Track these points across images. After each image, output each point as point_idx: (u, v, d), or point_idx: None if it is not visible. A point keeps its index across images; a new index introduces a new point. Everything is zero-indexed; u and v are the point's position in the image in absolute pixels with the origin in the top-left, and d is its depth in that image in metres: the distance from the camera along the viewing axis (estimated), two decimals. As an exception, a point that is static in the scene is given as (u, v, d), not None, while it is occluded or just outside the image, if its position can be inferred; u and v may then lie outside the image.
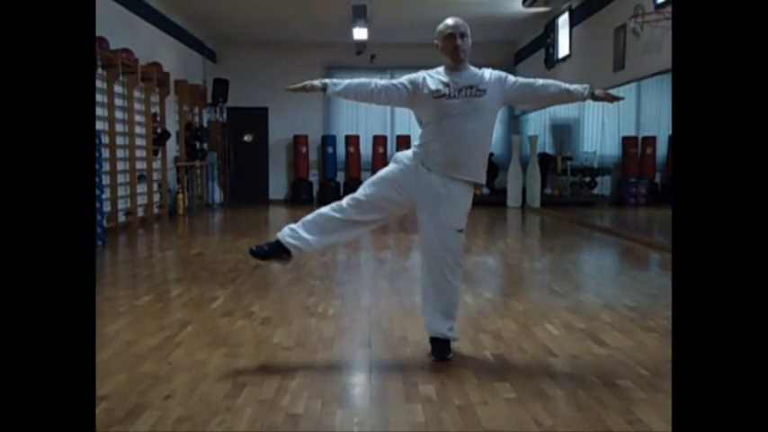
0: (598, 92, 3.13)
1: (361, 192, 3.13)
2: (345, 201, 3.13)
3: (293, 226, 3.12)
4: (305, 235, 3.09)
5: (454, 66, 3.09)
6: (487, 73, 3.12)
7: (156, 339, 3.47)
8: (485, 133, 3.14)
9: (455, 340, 3.24)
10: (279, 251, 3.10)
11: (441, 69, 3.13)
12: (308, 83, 3.03)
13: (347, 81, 3.11)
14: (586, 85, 3.12)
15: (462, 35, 3.07)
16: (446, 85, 3.04)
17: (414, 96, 3.09)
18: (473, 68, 3.14)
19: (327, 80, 3.07)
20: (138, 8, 9.52)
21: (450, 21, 3.11)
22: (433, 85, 3.05)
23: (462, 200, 3.13)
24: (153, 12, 10.14)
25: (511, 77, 3.17)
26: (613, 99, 3.21)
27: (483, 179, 3.20)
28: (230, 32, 13.05)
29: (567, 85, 3.16)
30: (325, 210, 3.14)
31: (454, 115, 3.02)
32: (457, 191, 3.09)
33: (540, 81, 3.21)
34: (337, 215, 3.10)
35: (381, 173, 3.17)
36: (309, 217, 3.13)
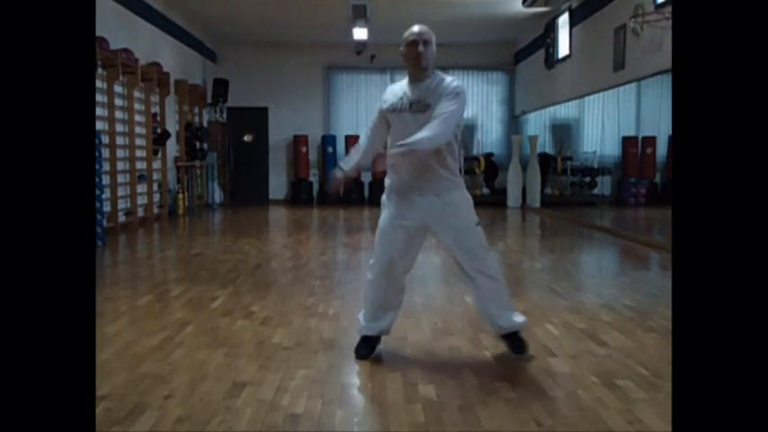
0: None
1: (381, 258, 3.11)
2: (376, 275, 3.13)
3: (363, 320, 3.21)
4: (378, 325, 3.19)
5: (415, 74, 3.02)
6: (444, 84, 2.96)
7: (156, 339, 3.47)
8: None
9: (523, 328, 3.26)
10: (371, 342, 3.21)
11: (405, 79, 3.09)
12: (338, 179, 3.12)
13: (352, 153, 3.14)
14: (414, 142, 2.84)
15: (426, 42, 2.97)
16: (400, 97, 3.02)
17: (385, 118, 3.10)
18: (438, 78, 3.01)
19: (342, 165, 3.13)
20: (138, 8, 9.52)
21: (415, 28, 3.04)
22: (389, 99, 3.05)
23: (460, 198, 3.11)
24: (153, 12, 10.13)
25: (446, 97, 2.92)
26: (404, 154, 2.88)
27: (455, 180, 3.08)
28: (230, 32, 13.05)
29: (420, 134, 2.83)
30: (371, 294, 3.17)
31: (404, 131, 2.91)
32: (449, 195, 3.07)
33: (436, 117, 2.88)
34: (383, 291, 3.14)
35: (381, 227, 3.13)
36: (368, 308, 3.20)
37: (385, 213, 3.14)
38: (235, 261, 6.17)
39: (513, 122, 14.19)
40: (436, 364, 3.11)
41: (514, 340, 3.21)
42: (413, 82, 3.03)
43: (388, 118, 3.07)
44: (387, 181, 3.14)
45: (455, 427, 2.39)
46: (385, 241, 3.10)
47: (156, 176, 10.00)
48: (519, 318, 3.22)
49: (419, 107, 2.95)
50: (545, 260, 6.77)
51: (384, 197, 3.17)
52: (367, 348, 3.20)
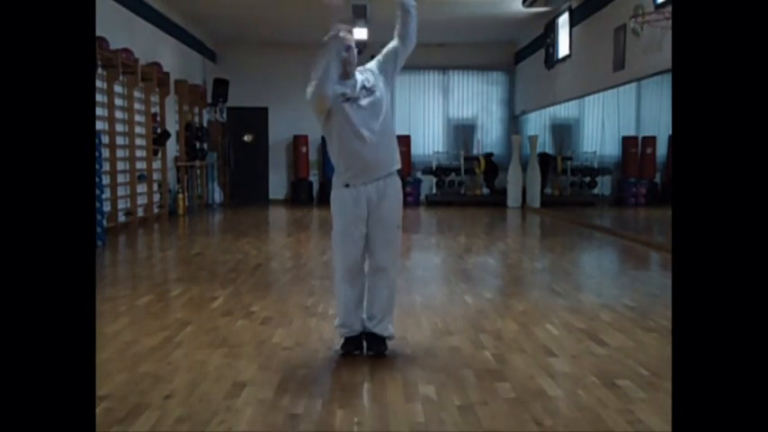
0: None
1: (339, 258, 3.22)
2: (338, 274, 3.23)
3: (336, 323, 3.29)
4: (347, 321, 3.23)
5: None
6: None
7: (156, 339, 3.47)
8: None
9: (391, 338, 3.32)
10: (349, 345, 3.24)
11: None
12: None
13: None
14: None
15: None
16: None
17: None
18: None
19: None
20: (138, 8, 9.51)
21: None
22: None
23: (396, 192, 3.20)
24: (153, 12, 10.13)
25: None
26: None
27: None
28: (230, 32, 13.05)
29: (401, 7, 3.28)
30: (338, 293, 3.27)
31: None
32: (390, 186, 3.17)
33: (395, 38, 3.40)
34: (348, 289, 3.20)
35: (336, 228, 3.21)
36: (338, 306, 3.27)
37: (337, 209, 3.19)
38: (235, 261, 6.17)
39: (513, 122, 14.18)
40: (436, 364, 3.11)
41: (377, 340, 3.24)
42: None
43: None
44: (339, 177, 3.17)
45: (455, 427, 2.39)
46: (348, 240, 3.16)
47: (156, 176, 10.00)
48: (392, 329, 3.28)
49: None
50: (545, 260, 6.77)
51: (335, 196, 3.21)
52: (354, 344, 3.25)
